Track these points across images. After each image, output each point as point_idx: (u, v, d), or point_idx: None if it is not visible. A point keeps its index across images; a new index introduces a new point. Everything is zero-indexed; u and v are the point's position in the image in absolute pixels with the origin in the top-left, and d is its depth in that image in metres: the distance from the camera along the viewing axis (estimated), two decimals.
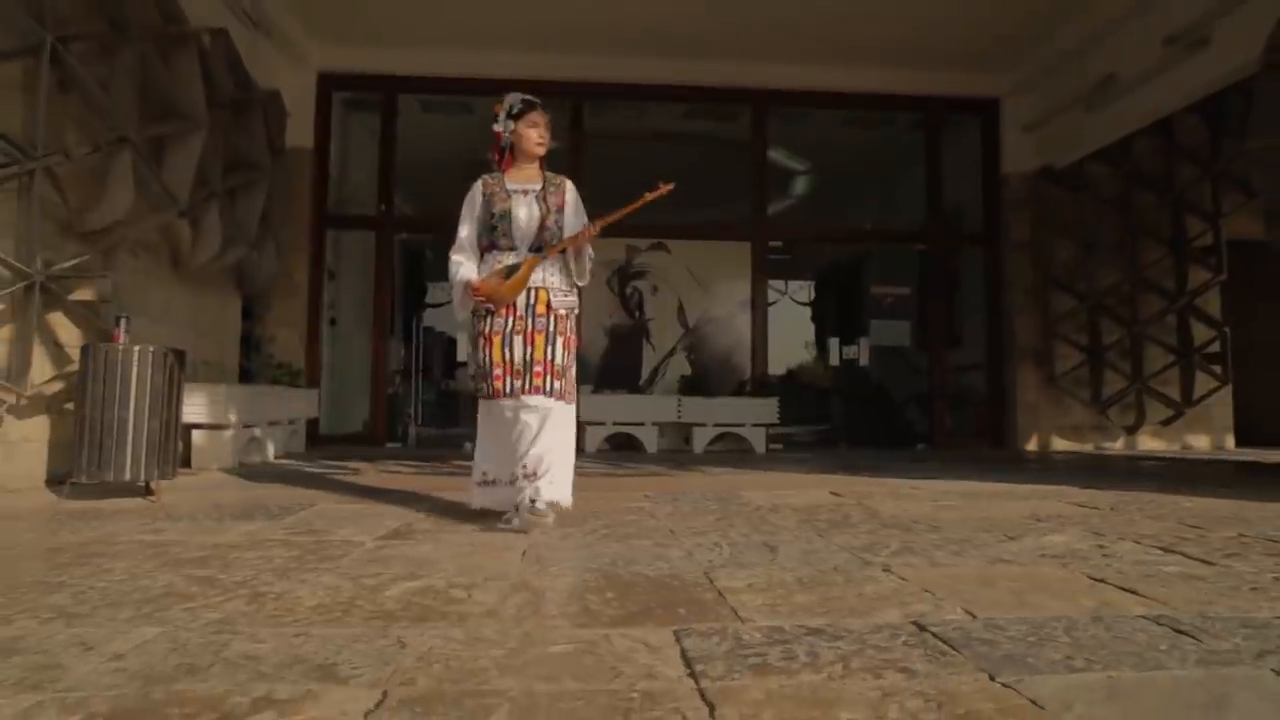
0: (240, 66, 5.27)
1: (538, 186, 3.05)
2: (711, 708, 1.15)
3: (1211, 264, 7.88)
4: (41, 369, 3.68)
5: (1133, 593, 1.84)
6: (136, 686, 1.19)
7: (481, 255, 3.03)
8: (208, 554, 2.25)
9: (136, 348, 3.35)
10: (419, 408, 10.34)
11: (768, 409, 7.51)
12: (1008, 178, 8.20)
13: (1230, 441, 8.31)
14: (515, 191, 3.02)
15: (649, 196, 2.98)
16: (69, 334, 3.90)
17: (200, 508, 3.19)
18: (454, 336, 13.31)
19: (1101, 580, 1.97)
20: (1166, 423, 7.85)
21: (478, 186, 3.10)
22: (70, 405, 3.88)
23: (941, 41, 7.34)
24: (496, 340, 2.91)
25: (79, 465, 3.26)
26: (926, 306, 8.74)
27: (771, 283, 13.10)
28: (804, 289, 14.60)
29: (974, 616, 1.64)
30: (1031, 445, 7.89)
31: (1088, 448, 7.94)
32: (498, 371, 2.89)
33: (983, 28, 7.10)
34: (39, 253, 3.51)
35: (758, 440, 7.44)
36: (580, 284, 3.07)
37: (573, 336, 3.03)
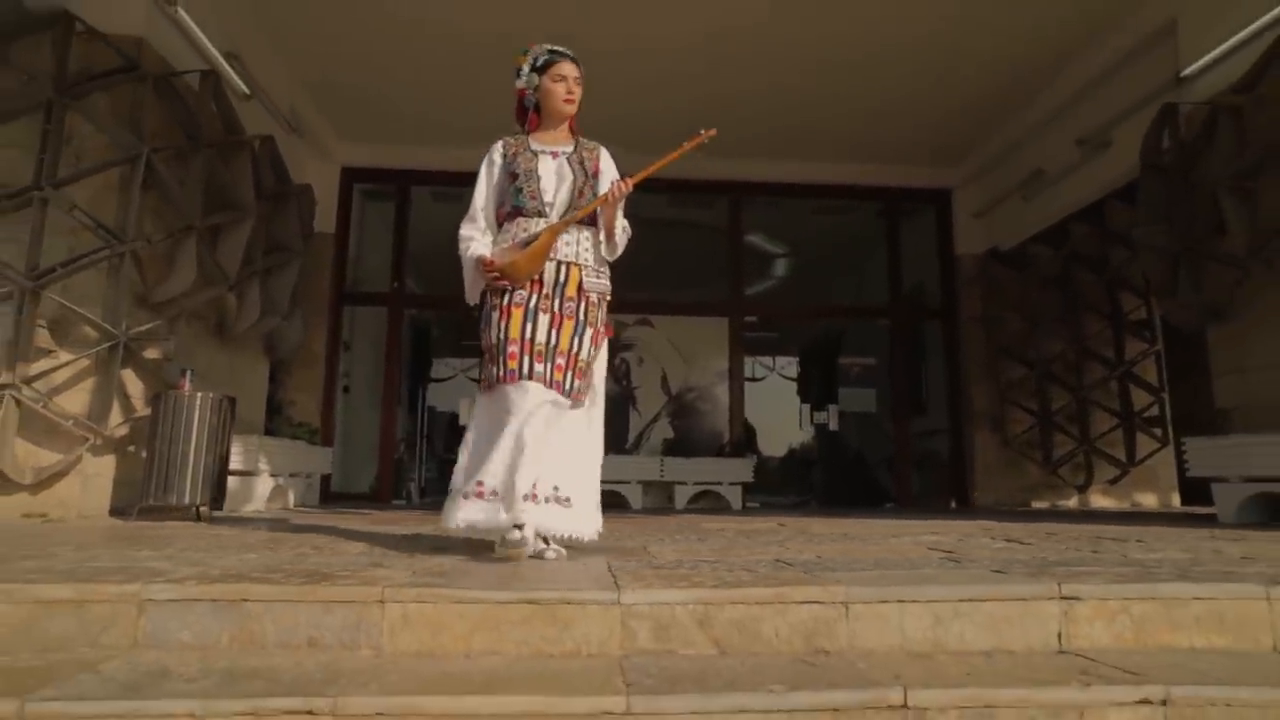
0: (281, 165, 6.19)
1: (569, 149, 2.71)
2: (615, 578, 1.85)
3: (1146, 335, 8.68)
4: (113, 415, 4.41)
5: (949, 552, 2.53)
6: (261, 569, 1.90)
7: (501, 225, 2.67)
8: (267, 539, 2.94)
9: (199, 394, 4.10)
10: (421, 473, 10.98)
11: (743, 468, 8.18)
12: (961, 258, 9.07)
13: (1176, 499, 8.91)
14: (542, 152, 2.68)
15: (688, 145, 2.66)
16: (134, 386, 4.64)
17: (245, 526, 3.87)
18: (455, 412, 14.00)
19: (935, 549, 2.66)
20: (1114, 481, 8.47)
21: (497, 147, 2.76)
22: (132, 448, 4.61)
23: (900, 141, 8.33)
24: (517, 314, 2.48)
25: (147, 490, 3.96)
26: (891, 377, 9.50)
27: (760, 359, 13.97)
28: (791, 364, 15.41)
29: (819, 558, 2.33)
30: (990, 503, 8.50)
31: (1044, 505, 8.55)
32: (513, 349, 2.43)
33: (933, 130, 8.10)
34: (122, 319, 4.30)
35: (734, 498, 8.07)
36: (610, 259, 2.70)
37: (603, 329, 2.63)
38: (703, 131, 2.64)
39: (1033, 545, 2.82)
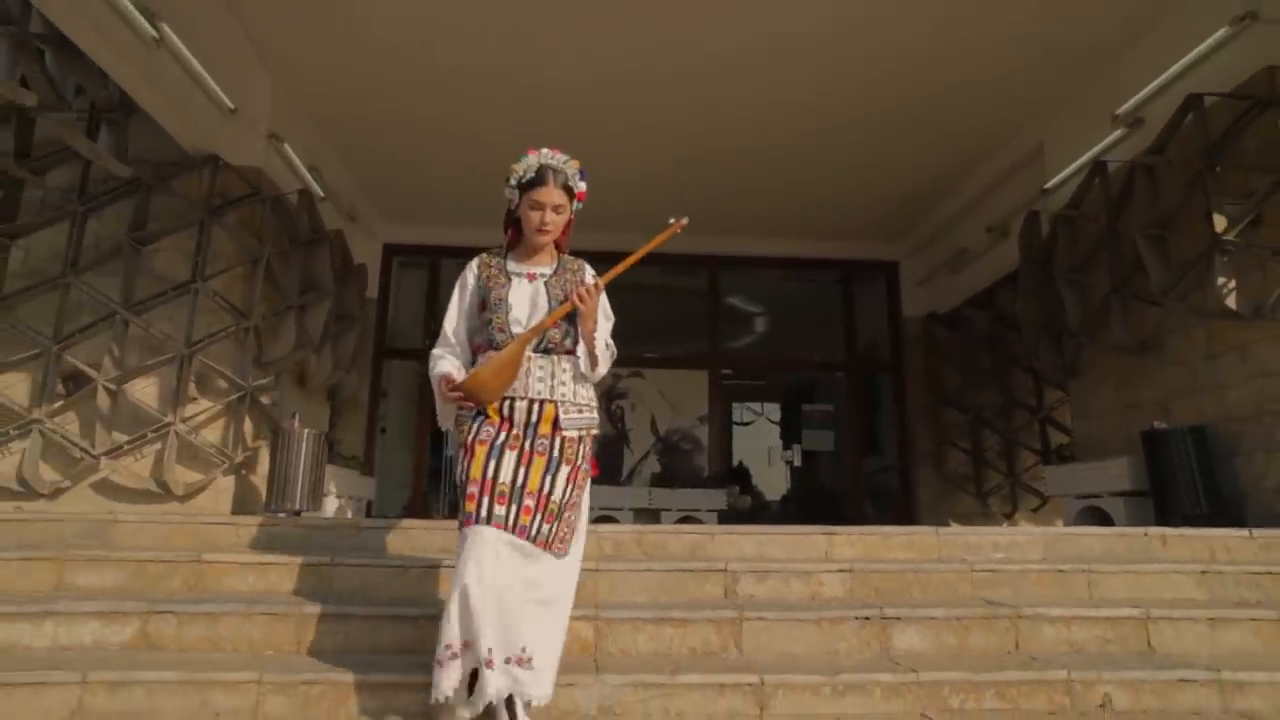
0: (347, 251, 7.84)
1: (547, 271, 2.50)
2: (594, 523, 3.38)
3: (1063, 385, 10.19)
4: (238, 446, 5.96)
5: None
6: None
7: (475, 357, 2.46)
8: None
9: (305, 430, 5.66)
10: (443, 502, 12.48)
11: (718, 497, 9.66)
12: (906, 320, 10.63)
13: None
14: (517, 275, 2.47)
15: (661, 237, 2.55)
16: (248, 426, 6.20)
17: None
18: None
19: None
20: (1035, 510, 9.90)
21: (470, 268, 2.54)
22: (244, 472, 6.15)
23: (855, 222, 9.96)
24: (480, 451, 2.26)
25: (270, 497, 5.50)
26: (850, 421, 11.04)
27: (749, 405, 15.50)
28: (777, 410, 16.94)
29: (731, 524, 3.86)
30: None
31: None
32: (472, 490, 2.22)
33: (881, 215, 9.74)
34: (247, 375, 5.88)
35: (710, 523, 9.54)
36: (592, 379, 2.46)
37: (584, 465, 2.39)
38: (673, 221, 2.55)
39: None
